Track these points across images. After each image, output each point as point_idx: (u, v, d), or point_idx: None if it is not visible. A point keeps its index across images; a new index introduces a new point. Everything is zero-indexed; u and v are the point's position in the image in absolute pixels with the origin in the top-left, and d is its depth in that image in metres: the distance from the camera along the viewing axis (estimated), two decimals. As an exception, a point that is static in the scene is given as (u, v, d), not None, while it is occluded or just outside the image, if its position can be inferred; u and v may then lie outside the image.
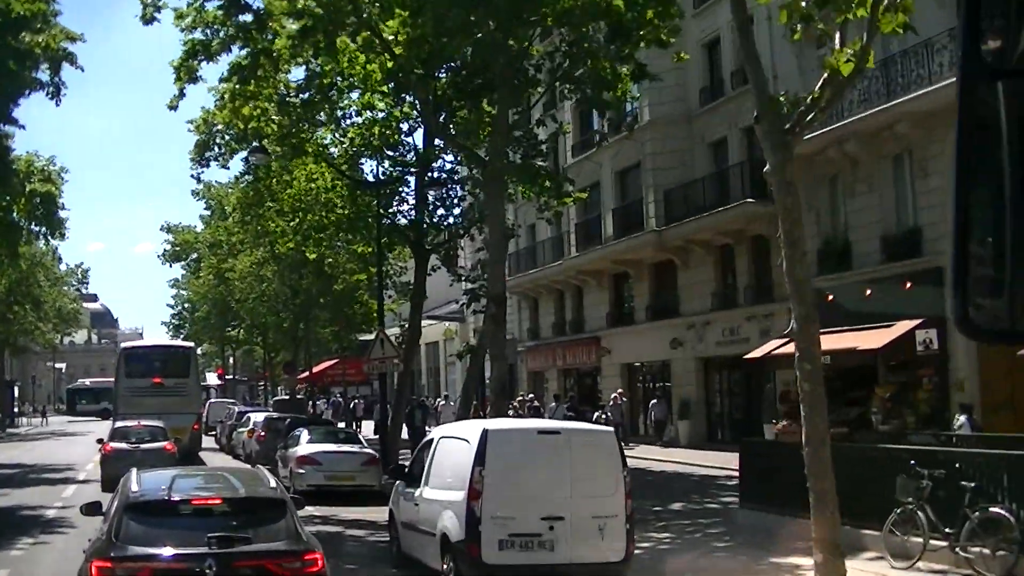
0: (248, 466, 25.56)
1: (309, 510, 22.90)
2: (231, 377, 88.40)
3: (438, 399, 53.35)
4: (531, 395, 48.12)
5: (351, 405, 58.15)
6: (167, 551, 9.68)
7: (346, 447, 26.29)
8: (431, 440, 15.56)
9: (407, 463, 16.82)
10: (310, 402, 57.33)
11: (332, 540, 18.64)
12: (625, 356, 44.55)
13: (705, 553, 16.85)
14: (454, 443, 14.10)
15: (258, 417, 39.69)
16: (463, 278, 32.33)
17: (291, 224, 37.20)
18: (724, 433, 37.51)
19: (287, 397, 58.09)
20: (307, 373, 58.89)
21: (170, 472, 12.55)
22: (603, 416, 39.41)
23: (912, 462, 14.91)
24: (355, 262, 43.74)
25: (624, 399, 39.97)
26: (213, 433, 48.22)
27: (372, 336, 64.81)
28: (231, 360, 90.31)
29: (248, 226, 40.55)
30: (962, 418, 21.08)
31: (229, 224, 53.54)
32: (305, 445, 25.96)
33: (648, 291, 42.57)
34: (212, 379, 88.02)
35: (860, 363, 27.67)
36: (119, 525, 9.93)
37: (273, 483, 11.19)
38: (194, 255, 71.86)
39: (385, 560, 16.86)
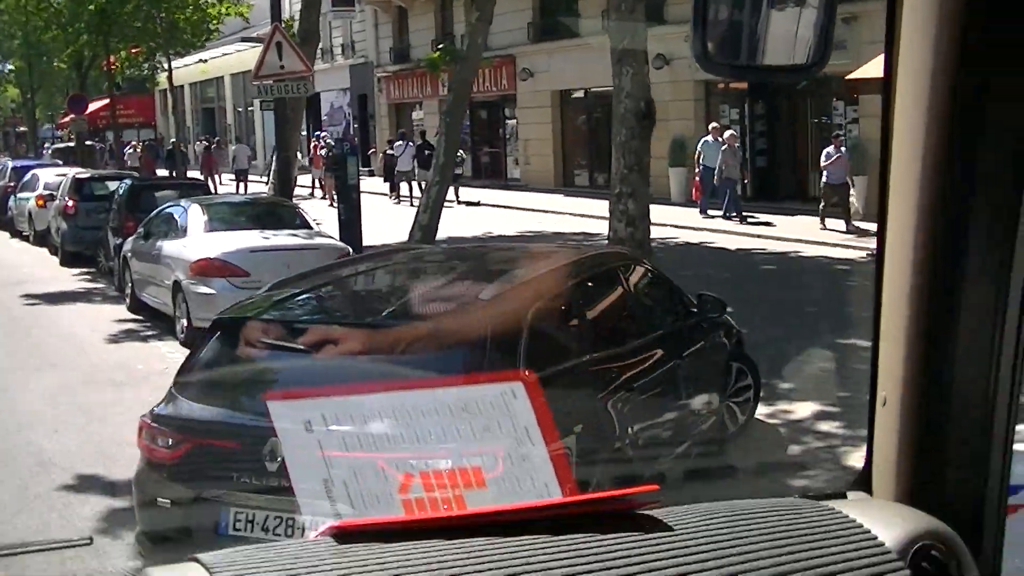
0: None
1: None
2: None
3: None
4: (402, 128, 36.52)
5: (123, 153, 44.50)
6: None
7: (285, 235, 13.48)
8: None
9: None
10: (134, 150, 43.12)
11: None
12: (558, 81, 32.78)
13: None
14: None
15: (49, 176, 26.19)
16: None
17: None
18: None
19: (70, 144, 42.93)
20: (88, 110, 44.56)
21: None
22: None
23: None
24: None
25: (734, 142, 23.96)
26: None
27: (172, 64, 50.60)
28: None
29: None
30: None
31: None
32: (203, 236, 13.06)
33: (604, -13, 30.42)
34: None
35: None
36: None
37: None
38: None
39: None
